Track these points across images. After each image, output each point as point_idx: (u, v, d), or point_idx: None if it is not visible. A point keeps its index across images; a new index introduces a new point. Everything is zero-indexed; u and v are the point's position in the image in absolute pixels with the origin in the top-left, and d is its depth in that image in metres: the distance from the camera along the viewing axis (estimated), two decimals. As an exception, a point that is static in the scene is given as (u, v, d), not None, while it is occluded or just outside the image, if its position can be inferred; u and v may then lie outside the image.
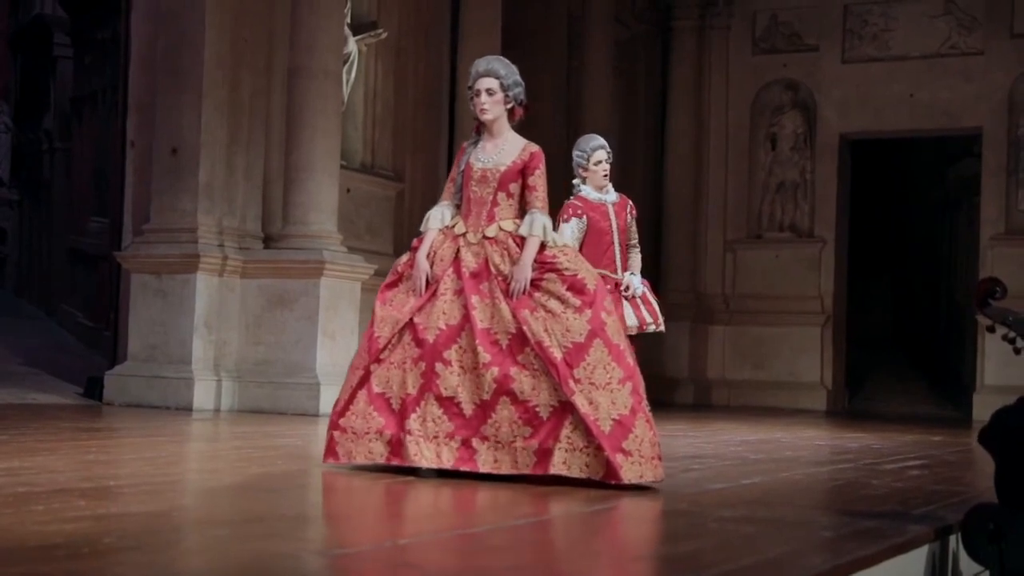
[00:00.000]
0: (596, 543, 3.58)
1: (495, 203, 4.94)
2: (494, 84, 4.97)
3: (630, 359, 4.71)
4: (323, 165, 9.40)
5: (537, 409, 4.64)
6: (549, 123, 13.72)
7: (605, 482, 4.55)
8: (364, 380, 4.86)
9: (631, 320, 6.69)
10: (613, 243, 6.70)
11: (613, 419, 4.58)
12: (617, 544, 3.60)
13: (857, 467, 6.34)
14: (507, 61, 5.08)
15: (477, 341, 4.70)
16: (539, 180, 4.96)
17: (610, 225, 6.72)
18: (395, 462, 4.74)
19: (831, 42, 15.28)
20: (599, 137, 6.87)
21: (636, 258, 6.82)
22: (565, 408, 4.60)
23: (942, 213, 18.06)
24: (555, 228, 6.66)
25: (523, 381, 4.65)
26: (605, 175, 6.74)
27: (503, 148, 4.99)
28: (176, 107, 9.14)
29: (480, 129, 5.07)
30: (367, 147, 11.05)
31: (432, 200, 12.56)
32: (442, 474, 4.68)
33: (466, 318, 4.76)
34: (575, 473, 4.58)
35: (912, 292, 18.37)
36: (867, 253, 17.11)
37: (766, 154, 15.62)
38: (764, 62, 15.60)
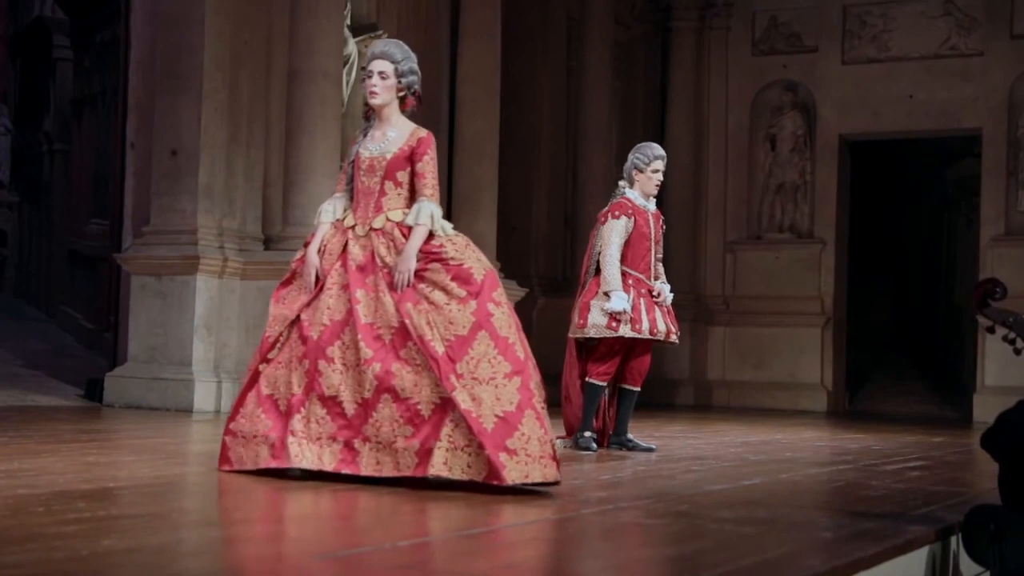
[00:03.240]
0: (596, 544, 3.59)
1: (383, 193, 4.73)
2: (388, 68, 4.75)
3: (520, 352, 4.47)
4: (323, 167, 9.41)
5: (419, 407, 4.40)
6: (548, 123, 13.74)
7: (488, 483, 4.30)
8: (253, 381, 4.68)
9: (661, 326, 6.75)
10: (651, 250, 6.79)
11: (497, 416, 4.32)
12: (617, 544, 3.60)
13: (857, 468, 6.35)
14: (407, 48, 4.88)
15: (359, 336, 4.49)
16: (428, 167, 4.74)
17: (650, 232, 6.80)
18: (273, 464, 4.52)
19: (830, 43, 15.28)
20: (660, 148, 6.92)
21: (662, 269, 6.92)
22: (447, 405, 4.35)
23: (941, 214, 18.07)
24: (603, 224, 6.77)
25: (404, 377, 4.42)
26: (658, 185, 6.83)
27: (390, 136, 4.79)
28: (175, 109, 9.14)
29: (370, 116, 4.86)
30: (367, 149, 11.05)
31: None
32: (321, 476, 4.46)
33: (350, 313, 4.56)
34: (456, 475, 4.33)
35: (912, 292, 18.37)
36: (867, 254, 17.11)
37: (765, 155, 15.61)
38: (763, 63, 15.60)
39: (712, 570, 3.03)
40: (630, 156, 6.92)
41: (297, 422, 4.51)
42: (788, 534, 3.75)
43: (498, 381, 4.39)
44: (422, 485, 4.37)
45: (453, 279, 4.53)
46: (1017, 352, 3.79)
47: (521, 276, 12.27)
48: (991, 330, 3.94)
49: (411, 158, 4.74)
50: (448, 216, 13.04)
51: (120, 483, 4.34)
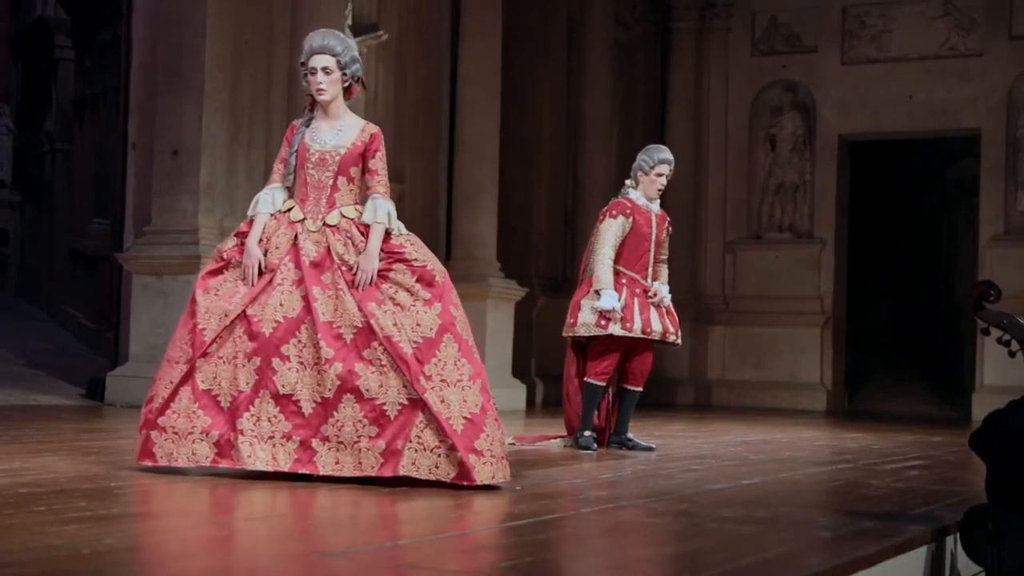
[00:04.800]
0: (596, 543, 3.60)
1: (335, 188, 4.66)
2: (330, 62, 4.68)
3: (477, 356, 4.51)
4: (323, 167, 9.41)
5: (384, 407, 4.38)
6: (549, 124, 13.74)
7: (457, 484, 4.34)
8: (188, 376, 4.52)
9: (656, 326, 6.75)
10: (649, 251, 6.79)
11: (465, 418, 4.37)
12: (617, 543, 3.61)
13: (856, 467, 6.36)
14: (342, 35, 4.82)
15: (319, 335, 4.42)
16: (380, 163, 4.71)
17: (650, 233, 6.80)
18: (224, 464, 4.44)
19: (830, 43, 15.29)
20: (670, 152, 6.92)
21: (665, 271, 6.92)
22: (415, 406, 4.37)
23: (941, 214, 18.08)
24: (601, 222, 6.79)
25: (369, 378, 4.39)
26: (660, 189, 6.84)
27: (341, 129, 4.72)
28: (177, 109, 9.16)
29: (313, 106, 4.78)
30: (367, 148, 11.06)
31: (434, 201, 12.60)
32: (283, 475, 4.42)
33: (306, 310, 4.48)
34: (423, 475, 4.35)
35: (912, 293, 18.38)
36: (866, 254, 17.12)
37: (765, 155, 15.63)
38: (763, 63, 15.61)
39: (712, 569, 3.04)
40: (638, 156, 6.94)
41: (247, 421, 4.43)
42: (788, 533, 3.76)
43: (464, 384, 4.42)
44: (387, 484, 4.38)
45: (418, 281, 4.53)
46: (1011, 354, 3.81)
47: (521, 276, 12.28)
48: (986, 332, 3.96)
49: (364, 154, 4.71)
50: (448, 216, 13.06)
51: (121, 482, 4.34)
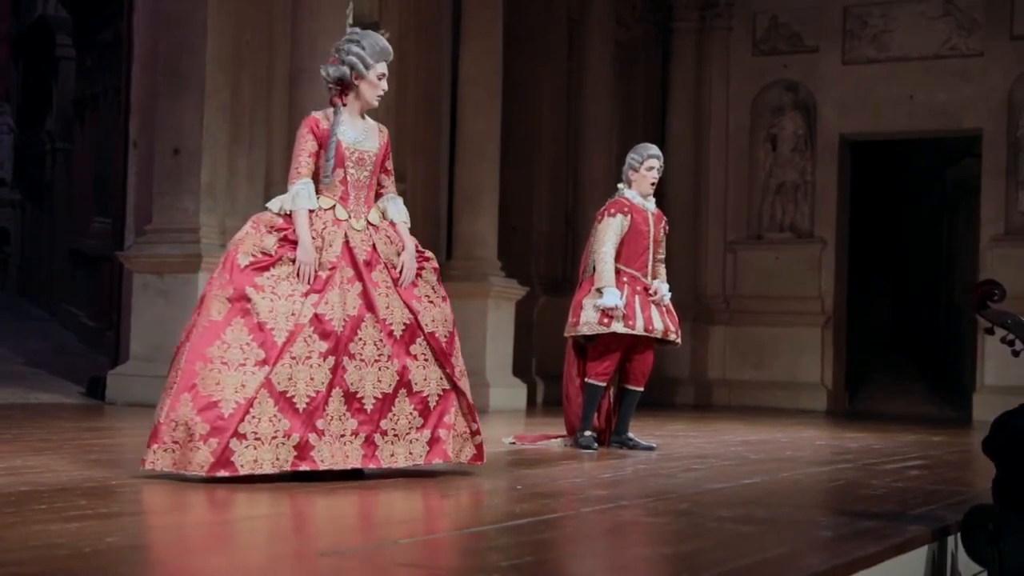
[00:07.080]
0: (596, 543, 3.60)
1: (371, 187, 4.80)
2: (386, 69, 4.81)
3: None
4: (324, 166, 9.42)
5: (428, 399, 4.69)
6: (549, 123, 13.74)
7: (473, 464, 4.83)
8: (266, 378, 4.36)
9: (657, 324, 6.76)
10: (648, 248, 6.81)
11: (472, 404, 4.84)
12: (617, 543, 3.62)
13: (857, 467, 6.36)
14: None
15: (382, 333, 4.60)
16: (391, 163, 4.91)
17: (648, 231, 6.82)
18: (303, 467, 4.37)
19: (831, 43, 15.29)
20: (657, 148, 6.97)
21: (663, 270, 6.93)
22: (448, 395, 4.74)
23: (941, 214, 18.07)
24: (599, 222, 6.82)
25: (416, 372, 4.67)
26: (653, 183, 6.88)
27: (368, 130, 4.82)
28: (177, 108, 9.17)
29: (336, 103, 4.74)
30: (368, 148, 11.06)
31: (435, 201, 12.58)
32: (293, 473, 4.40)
33: (365, 308, 4.58)
34: (454, 459, 4.75)
35: (912, 292, 18.37)
36: (867, 254, 17.12)
37: (766, 155, 15.63)
38: (764, 63, 15.61)
39: (712, 569, 3.04)
40: (627, 157, 6.98)
41: (324, 422, 4.43)
42: (788, 533, 3.76)
43: (466, 373, 4.87)
44: (388, 481, 4.48)
45: (438, 279, 4.84)
46: (1015, 354, 3.82)
47: (522, 276, 12.29)
48: (990, 331, 3.96)
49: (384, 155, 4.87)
50: (449, 216, 13.06)
51: (122, 480, 4.35)
